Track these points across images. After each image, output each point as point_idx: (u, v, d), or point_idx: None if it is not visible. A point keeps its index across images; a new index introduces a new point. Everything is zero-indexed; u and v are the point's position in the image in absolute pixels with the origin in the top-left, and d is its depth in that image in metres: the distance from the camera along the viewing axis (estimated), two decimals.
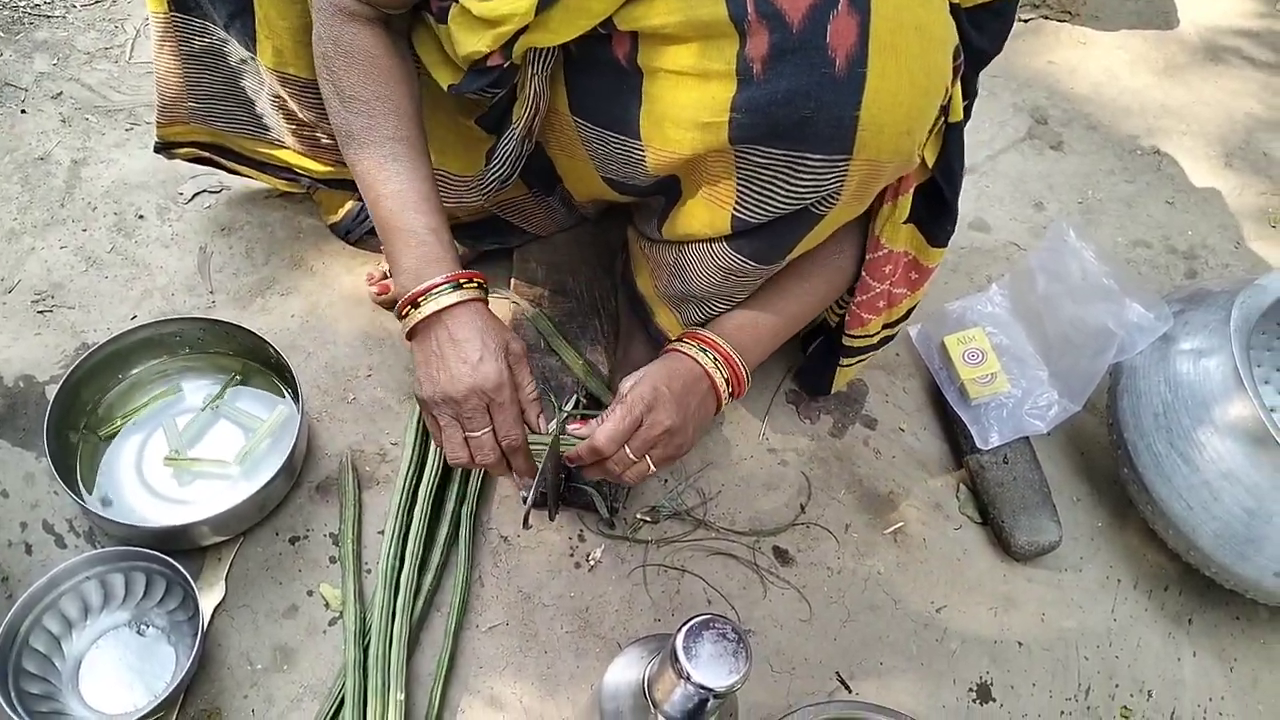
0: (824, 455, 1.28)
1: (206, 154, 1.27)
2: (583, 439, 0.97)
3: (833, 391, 1.28)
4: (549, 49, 0.90)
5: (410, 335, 0.96)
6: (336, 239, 1.35)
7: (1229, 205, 1.63)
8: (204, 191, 1.35)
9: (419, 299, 0.93)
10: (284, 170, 1.27)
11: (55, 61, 1.48)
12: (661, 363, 1.03)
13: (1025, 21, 1.82)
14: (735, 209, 0.91)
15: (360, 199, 1.28)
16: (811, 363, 1.28)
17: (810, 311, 1.11)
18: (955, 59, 0.87)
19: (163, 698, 0.94)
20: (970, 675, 1.15)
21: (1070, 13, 1.81)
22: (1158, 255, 1.54)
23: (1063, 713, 1.15)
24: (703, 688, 0.75)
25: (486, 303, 0.97)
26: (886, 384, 1.36)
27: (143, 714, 0.93)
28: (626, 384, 0.99)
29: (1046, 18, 1.82)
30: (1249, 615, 1.25)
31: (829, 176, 0.85)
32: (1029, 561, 1.24)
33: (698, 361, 1.02)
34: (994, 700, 1.14)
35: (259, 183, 1.33)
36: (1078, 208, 1.57)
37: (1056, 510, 1.24)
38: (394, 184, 0.96)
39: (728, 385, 1.03)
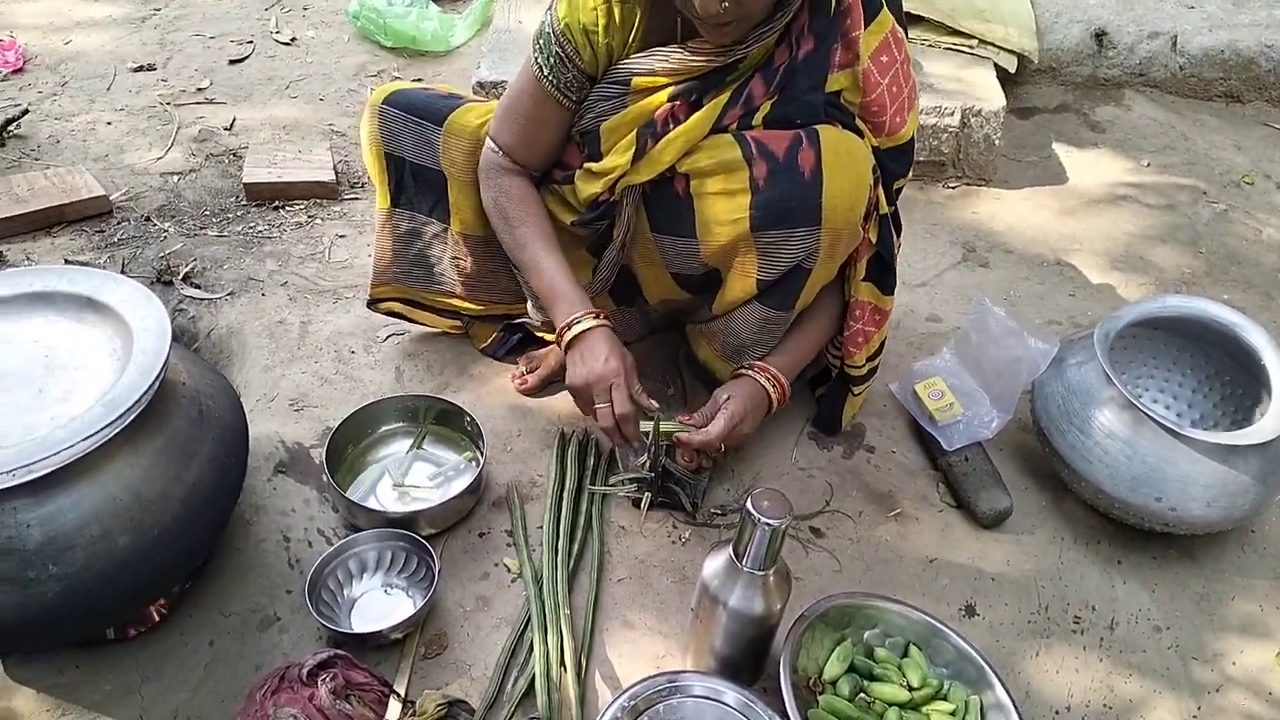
0: (839, 470, 1.80)
1: (399, 306, 1.89)
2: (694, 426, 1.54)
3: (843, 428, 1.83)
4: (636, 187, 1.54)
5: (566, 349, 1.54)
6: (486, 358, 1.95)
7: (1119, 294, 2.21)
8: (393, 334, 1.97)
9: (567, 328, 1.52)
10: (451, 313, 1.89)
11: (279, 264, 2.16)
12: (741, 384, 1.61)
13: (953, 188, 2.49)
14: (759, 275, 1.51)
15: (502, 330, 1.91)
16: (823, 408, 1.84)
17: (817, 344, 1.69)
18: (875, 173, 1.49)
19: (409, 618, 1.43)
20: (958, 600, 1.61)
21: (985, 179, 2.50)
22: (1066, 329, 2.11)
23: (1029, 621, 1.60)
24: (768, 524, 1.26)
25: (610, 328, 1.55)
26: (879, 424, 1.90)
27: (398, 626, 1.42)
28: (722, 396, 1.58)
29: (969, 184, 2.50)
30: (1163, 556, 1.71)
31: (809, 241, 1.45)
32: (993, 528, 1.73)
33: (760, 384, 1.61)
34: (978, 615, 1.60)
35: (431, 327, 1.94)
36: (1003, 302, 2.16)
37: (1007, 488, 1.74)
38: (545, 265, 1.57)
39: (779, 397, 1.62)
